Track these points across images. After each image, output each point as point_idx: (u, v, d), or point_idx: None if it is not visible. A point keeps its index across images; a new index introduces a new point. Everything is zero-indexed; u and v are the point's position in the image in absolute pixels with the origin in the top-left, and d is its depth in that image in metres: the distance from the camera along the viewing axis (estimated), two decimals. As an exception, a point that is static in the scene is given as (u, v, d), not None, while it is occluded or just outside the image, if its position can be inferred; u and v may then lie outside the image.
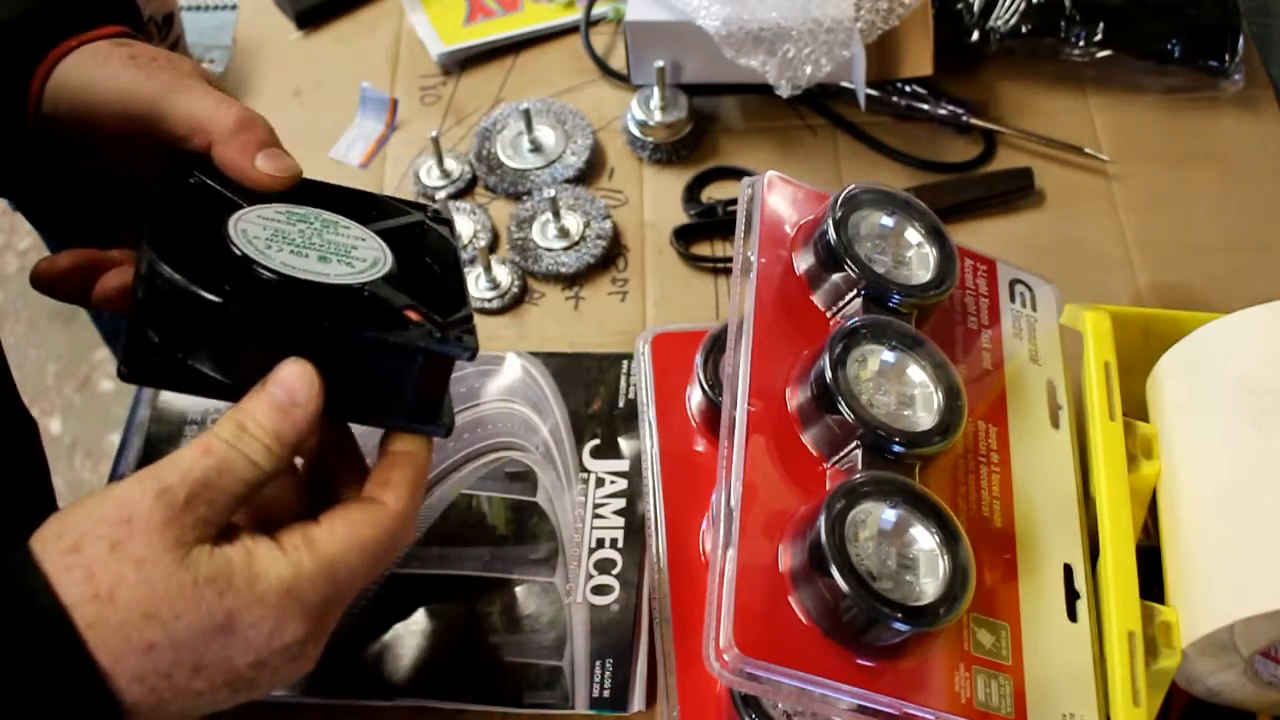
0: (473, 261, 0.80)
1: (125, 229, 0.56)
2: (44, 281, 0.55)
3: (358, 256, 0.50)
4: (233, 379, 0.48)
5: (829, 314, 0.62)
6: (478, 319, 0.78)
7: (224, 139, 0.52)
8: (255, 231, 0.49)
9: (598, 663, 0.63)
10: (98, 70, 0.54)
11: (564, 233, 0.80)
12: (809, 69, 0.78)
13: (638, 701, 0.62)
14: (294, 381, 0.47)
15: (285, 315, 0.47)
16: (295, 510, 0.50)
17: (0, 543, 0.44)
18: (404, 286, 0.50)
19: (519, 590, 0.65)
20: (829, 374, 0.56)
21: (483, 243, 0.80)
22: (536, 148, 0.85)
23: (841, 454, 0.56)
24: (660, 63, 0.82)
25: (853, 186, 0.62)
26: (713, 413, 0.64)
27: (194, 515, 0.44)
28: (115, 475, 0.70)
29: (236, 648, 0.44)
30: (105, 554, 0.42)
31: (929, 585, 0.53)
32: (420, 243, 0.55)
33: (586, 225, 0.81)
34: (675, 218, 0.82)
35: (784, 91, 0.79)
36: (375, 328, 0.48)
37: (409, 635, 0.64)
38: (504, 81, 0.91)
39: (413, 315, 0.49)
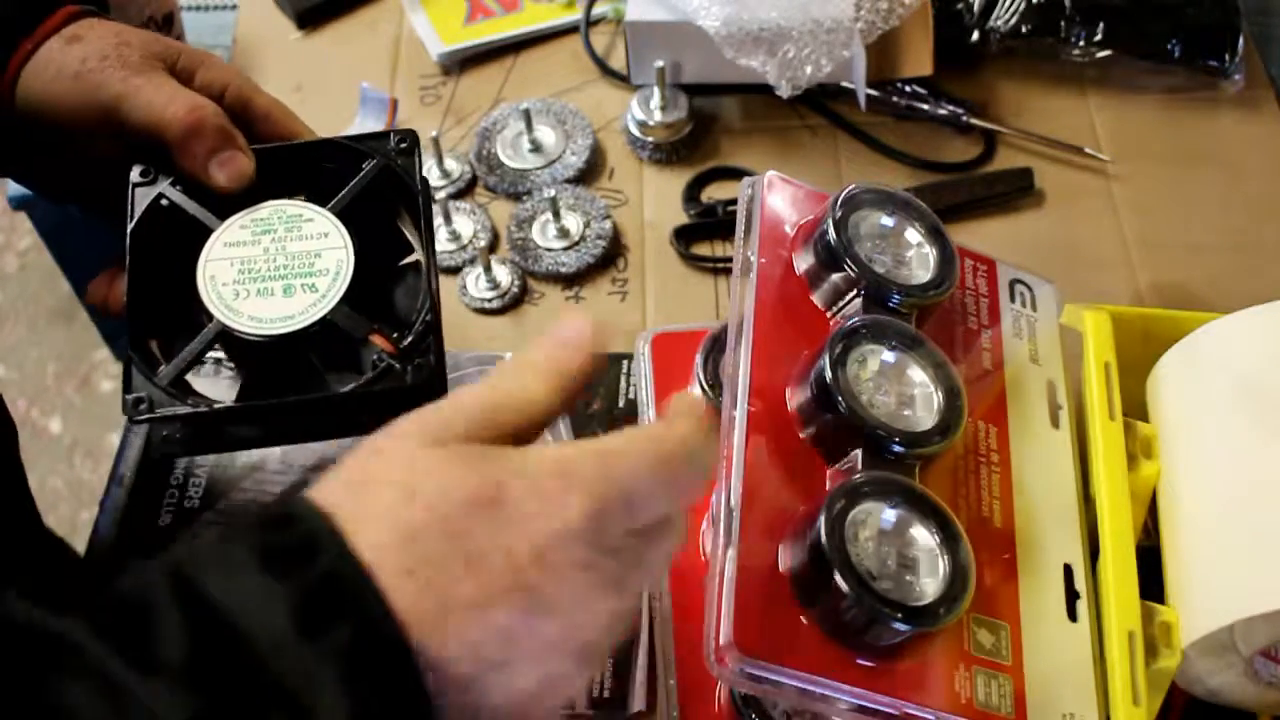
0: (473, 262, 0.80)
1: (116, 191, 0.57)
2: (100, 305, 0.60)
3: (320, 269, 0.54)
4: (258, 432, 0.56)
5: (829, 314, 0.61)
6: (478, 319, 0.78)
7: (178, 147, 0.54)
8: (224, 275, 0.54)
9: (598, 663, 0.63)
10: (52, 85, 0.56)
11: (564, 233, 0.80)
12: (809, 69, 0.78)
13: (638, 701, 0.62)
14: (570, 327, 0.45)
15: (267, 377, 0.54)
16: None
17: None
18: (366, 292, 0.54)
19: (519, 590, 0.65)
20: (829, 374, 0.56)
21: (483, 243, 0.80)
22: (536, 148, 0.85)
23: (841, 454, 0.56)
24: (660, 63, 0.82)
25: (853, 186, 0.62)
26: (713, 413, 0.64)
27: (458, 423, 0.40)
28: (115, 475, 0.70)
29: (511, 526, 0.38)
30: (363, 457, 0.40)
31: (929, 585, 0.53)
32: (384, 195, 0.57)
33: (586, 225, 0.81)
34: (675, 218, 0.82)
35: (784, 92, 0.79)
36: (336, 370, 0.53)
37: (409, 635, 0.64)
38: (504, 81, 0.91)
39: (376, 340, 0.53)
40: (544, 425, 0.42)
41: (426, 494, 0.38)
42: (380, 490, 0.38)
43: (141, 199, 0.55)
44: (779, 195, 0.64)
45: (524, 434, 0.41)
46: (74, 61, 0.55)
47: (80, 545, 0.71)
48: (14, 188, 1.33)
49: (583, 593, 0.39)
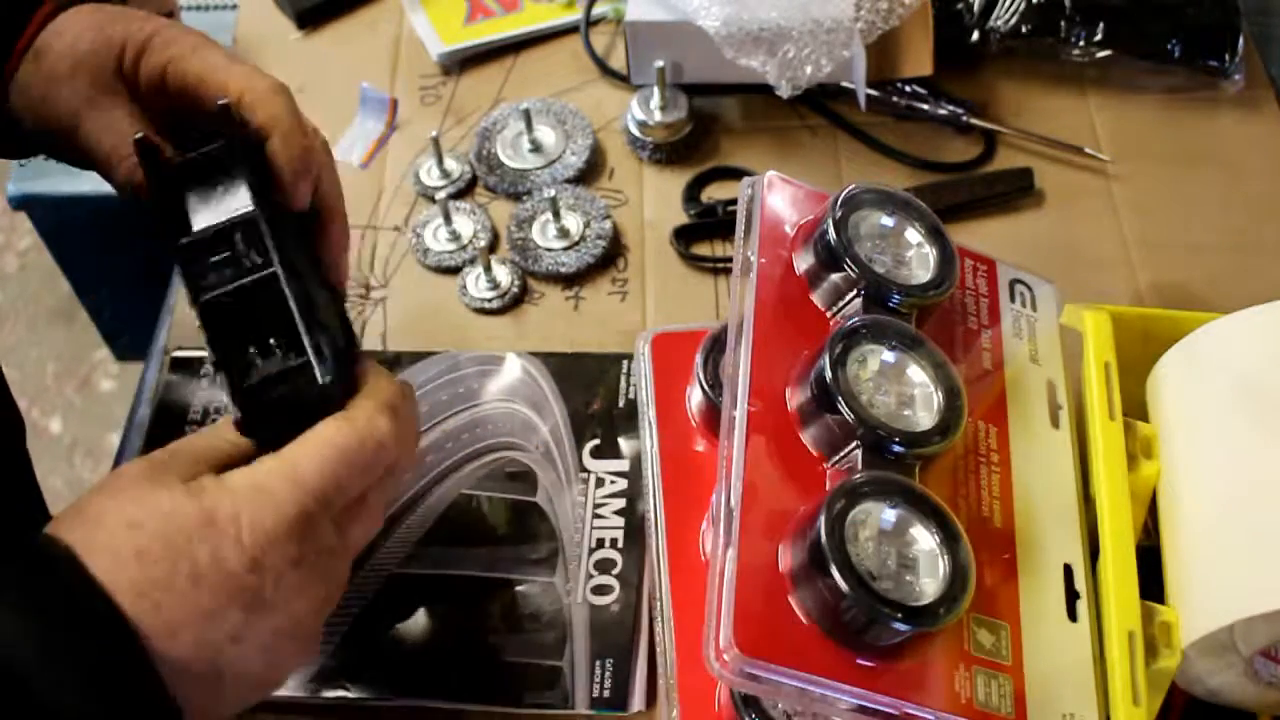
0: (473, 261, 0.80)
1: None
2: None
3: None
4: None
5: (829, 314, 0.61)
6: (478, 320, 0.78)
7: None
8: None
9: (598, 663, 0.63)
10: (31, 100, 0.57)
11: (564, 233, 0.80)
12: (809, 69, 0.78)
13: (638, 701, 0.62)
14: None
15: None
16: None
17: None
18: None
19: (519, 590, 0.65)
20: (829, 374, 0.56)
21: (483, 243, 0.80)
22: (536, 148, 0.85)
23: (841, 454, 0.56)
24: (660, 63, 0.82)
25: (853, 186, 0.62)
26: (713, 413, 0.64)
27: (174, 464, 0.46)
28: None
29: (224, 543, 0.44)
30: (94, 495, 0.45)
31: (929, 585, 0.53)
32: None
33: (586, 225, 0.81)
34: (675, 218, 0.82)
35: (784, 92, 0.79)
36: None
37: (409, 635, 0.64)
38: (504, 81, 0.91)
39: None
40: (240, 460, 0.48)
41: (150, 525, 0.43)
42: (110, 525, 0.44)
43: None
44: (779, 195, 0.64)
45: (224, 458, 0.48)
46: (39, 84, 0.57)
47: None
48: (14, 188, 1.34)
49: (297, 586, 0.45)
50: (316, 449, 0.47)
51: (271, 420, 0.48)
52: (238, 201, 0.51)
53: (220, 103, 0.53)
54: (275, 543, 0.45)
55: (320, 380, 0.48)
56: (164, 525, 0.43)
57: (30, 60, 0.57)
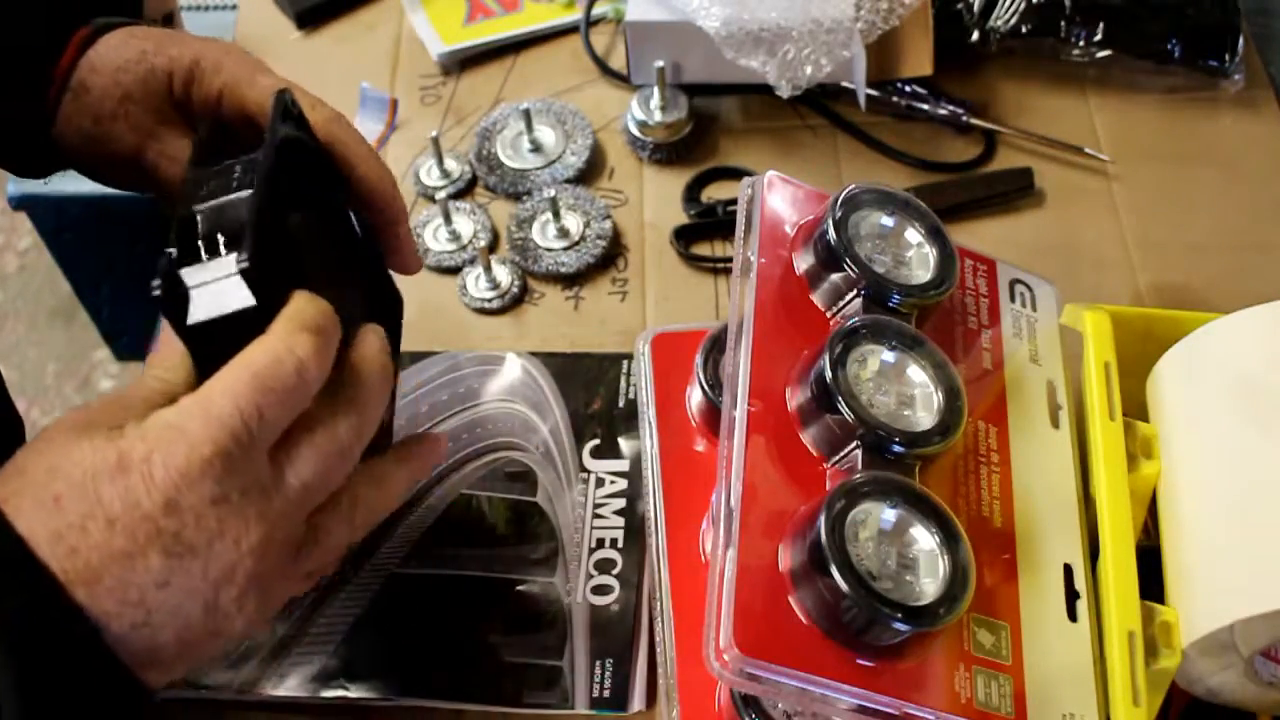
0: (473, 261, 0.80)
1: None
2: None
3: None
4: None
5: (829, 314, 0.62)
6: (478, 320, 0.79)
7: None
8: None
9: (598, 663, 0.63)
10: (79, 134, 0.57)
11: (564, 233, 0.80)
12: (809, 69, 0.78)
13: (638, 701, 0.62)
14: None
15: None
16: None
17: None
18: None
19: (519, 590, 0.65)
20: (829, 374, 0.56)
21: (483, 243, 0.80)
22: (536, 148, 0.85)
23: (841, 454, 0.56)
24: (660, 63, 0.82)
25: (853, 186, 0.62)
26: (713, 413, 0.64)
27: (103, 413, 0.45)
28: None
29: (137, 485, 0.42)
30: (25, 449, 0.45)
31: (929, 585, 0.53)
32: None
33: (586, 225, 0.81)
34: (675, 218, 0.82)
35: (784, 92, 0.79)
36: None
37: (409, 635, 0.64)
38: (504, 81, 0.91)
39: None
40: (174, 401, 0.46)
41: (65, 471, 0.43)
42: (32, 474, 0.43)
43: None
44: (779, 195, 0.64)
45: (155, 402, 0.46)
46: (87, 119, 0.57)
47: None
48: (14, 188, 1.34)
49: (219, 527, 0.43)
50: (230, 377, 0.44)
51: (208, 346, 0.46)
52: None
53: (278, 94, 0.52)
54: (191, 481, 0.43)
55: (240, 266, 0.45)
56: (79, 471, 0.43)
57: (72, 96, 0.57)
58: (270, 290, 0.46)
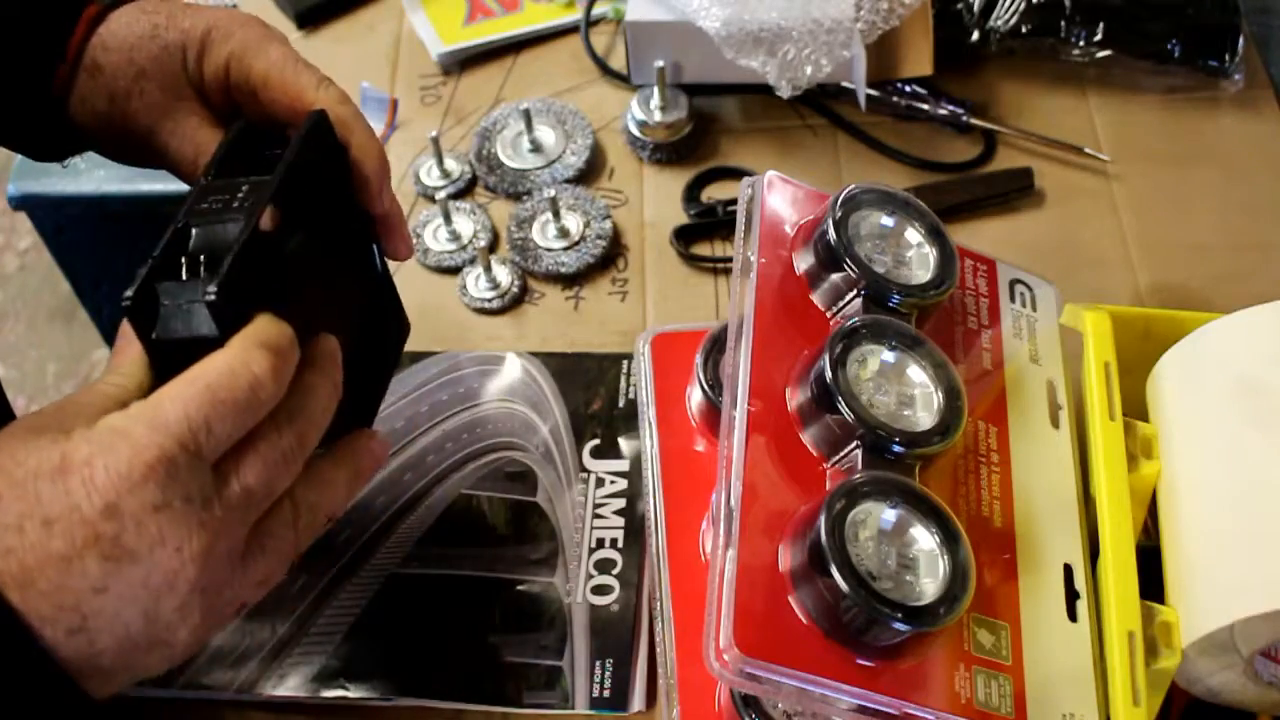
0: (473, 262, 0.80)
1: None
2: None
3: None
4: None
5: (829, 314, 0.62)
6: (478, 320, 0.78)
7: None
8: None
9: (598, 663, 0.63)
10: (93, 113, 0.56)
11: (564, 233, 0.80)
12: (809, 69, 0.79)
13: (638, 701, 0.62)
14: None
15: None
16: None
17: None
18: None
19: (519, 590, 0.65)
20: (829, 374, 0.56)
21: (483, 243, 0.80)
22: (536, 148, 0.85)
23: (841, 454, 0.56)
24: (660, 63, 0.82)
25: (853, 186, 0.62)
26: (713, 413, 0.64)
27: (56, 417, 0.45)
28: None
29: (77, 488, 0.42)
30: None
31: (929, 585, 0.53)
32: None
33: (586, 225, 0.81)
34: (675, 218, 0.82)
35: (784, 92, 0.79)
36: None
37: (409, 635, 0.64)
38: (504, 81, 0.91)
39: None
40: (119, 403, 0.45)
41: (8, 471, 0.42)
42: None
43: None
44: (779, 195, 0.64)
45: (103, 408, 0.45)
46: (102, 99, 0.56)
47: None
48: (14, 188, 1.34)
49: (159, 534, 0.42)
50: (182, 387, 0.44)
51: (168, 361, 0.46)
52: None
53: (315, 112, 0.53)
54: (132, 487, 0.42)
55: (205, 297, 0.45)
56: (21, 471, 0.42)
57: (86, 76, 0.56)
58: (240, 319, 0.46)
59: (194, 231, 0.48)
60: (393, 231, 0.58)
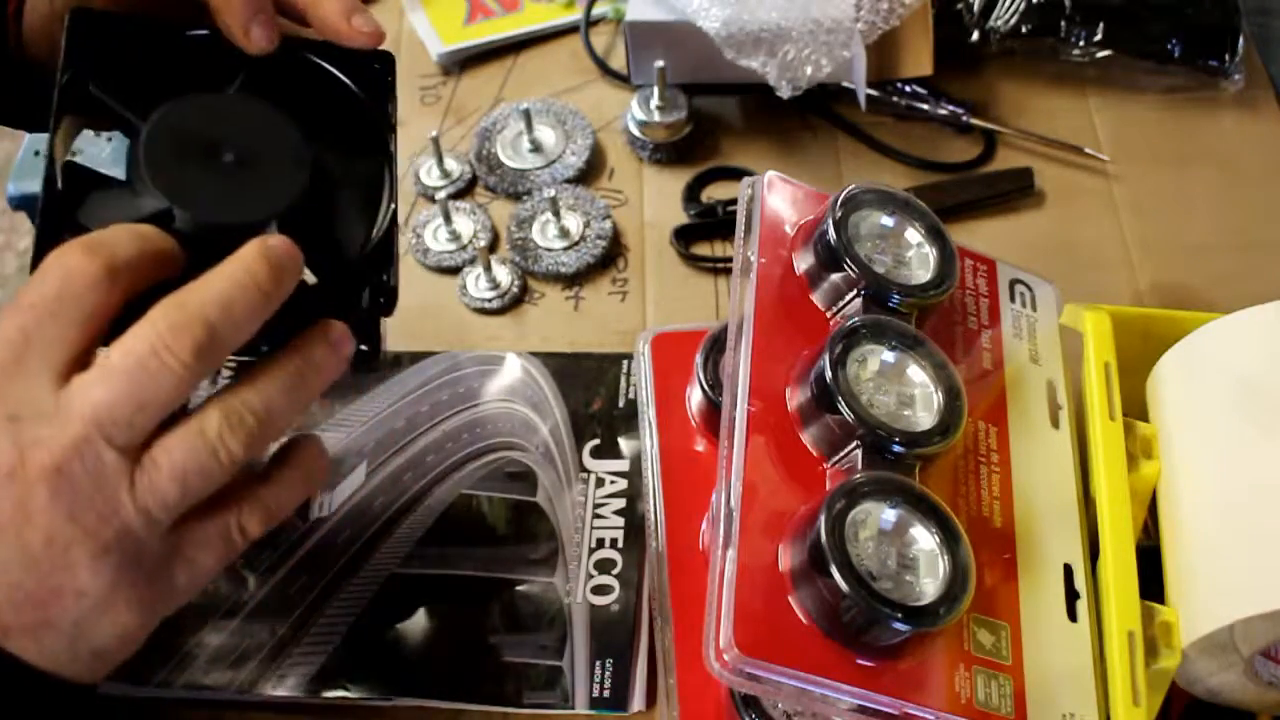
0: (473, 262, 0.80)
1: None
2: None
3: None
4: None
5: (829, 314, 0.62)
6: (478, 320, 0.79)
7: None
8: None
9: (598, 663, 0.63)
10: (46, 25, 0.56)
11: (564, 233, 0.80)
12: (809, 69, 0.78)
13: (638, 701, 0.62)
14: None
15: None
16: None
17: None
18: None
19: (519, 590, 0.65)
20: (829, 374, 0.56)
21: (483, 243, 0.80)
22: (536, 148, 0.85)
23: (841, 454, 0.56)
24: (660, 63, 0.82)
25: (853, 186, 0.62)
26: (713, 413, 0.64)
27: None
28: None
29: None
30: None
31: (929, 585, 0.53)
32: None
33: (586, 225, 0.81)
34: (675, 218, 0.82)
35: (784, 92, 0.79)
36: None
37: (409, 635, 0.64)
38: (504, 81, 0.91)
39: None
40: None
41: None
42: None
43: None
44: (779, 195, 0.64)
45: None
46: (56, 23, 0.54)
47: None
48: (14, 188, 1.34)
49: (40, 537, 0.43)
50: (99, 369, 0.44)
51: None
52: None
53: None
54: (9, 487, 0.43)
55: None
56: None
57: (30, 8, 0.55)
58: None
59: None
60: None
